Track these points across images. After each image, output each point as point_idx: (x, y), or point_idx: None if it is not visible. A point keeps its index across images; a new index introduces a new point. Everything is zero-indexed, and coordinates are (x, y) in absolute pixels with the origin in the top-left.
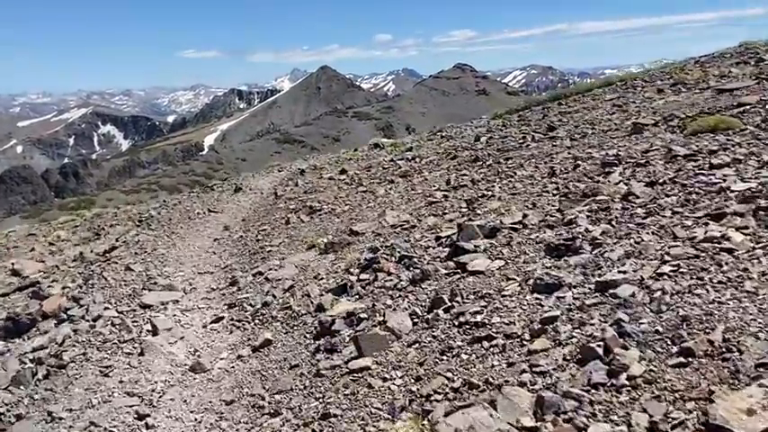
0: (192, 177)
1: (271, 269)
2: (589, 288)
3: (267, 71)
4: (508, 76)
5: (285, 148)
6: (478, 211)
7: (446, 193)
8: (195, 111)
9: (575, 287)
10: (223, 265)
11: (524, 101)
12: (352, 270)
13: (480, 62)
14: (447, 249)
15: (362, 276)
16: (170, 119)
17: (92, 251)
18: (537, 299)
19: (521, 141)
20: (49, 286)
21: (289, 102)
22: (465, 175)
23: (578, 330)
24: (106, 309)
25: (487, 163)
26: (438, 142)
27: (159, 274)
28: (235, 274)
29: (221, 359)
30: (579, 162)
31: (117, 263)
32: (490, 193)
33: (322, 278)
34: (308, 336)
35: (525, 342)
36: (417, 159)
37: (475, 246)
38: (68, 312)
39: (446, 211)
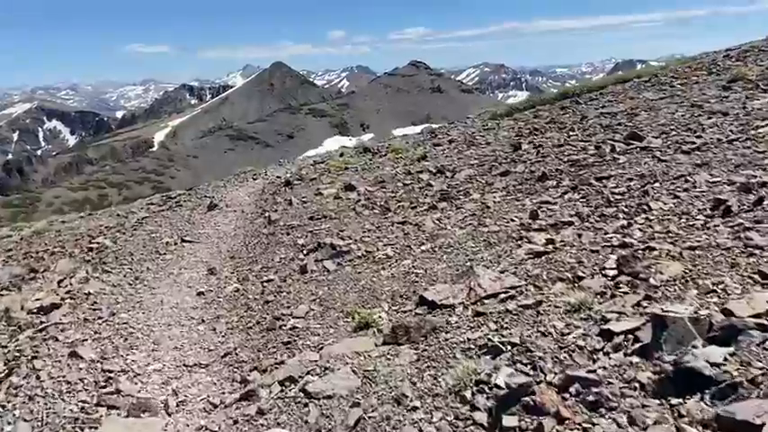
0: (141, 174)
1: (309, 372)
2: None
3: (219, 67)
4: (462, 73)
5: (238, 144)
6: (652, 281)
7: (546, 234)
8: (145, 106)
9: None
10: (222, 349)
11: (529, 100)
12: (470, 396)
13: (434, 60)
14: (642, 363)
15: (508, 421)
16: (119, 114)
17: (22, 307)
18: None
19: (593, 152)
20: None
21: (241, 98)
22: (550, 203)
23: None
24: None
25: (566, 183)
26: (456, 149)
27: (123, 368)
28: (246, 375)
29: None
30: (759, 191)
31: (58, 338)
32: (637, 242)
33: (414, 407)
34: None
35: None
36: (448, 173)
37: (712, 365)
38: None
39: (578, 273)
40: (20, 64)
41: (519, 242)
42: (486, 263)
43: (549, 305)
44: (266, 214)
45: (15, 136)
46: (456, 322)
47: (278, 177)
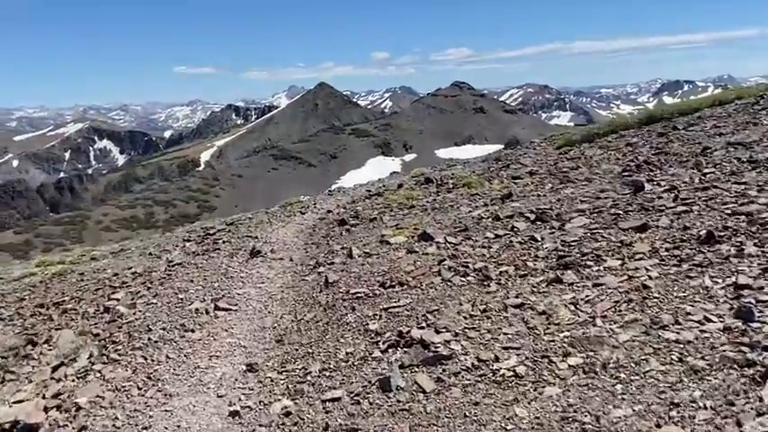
0: (187, 193)
1: None
2: None
3: (264, 87)
4: (505, 94)
5: (282, 164)
6: None
7: None
8: (192, 126)
9: None
10: None
11: (609, 124)
12: None
13: (477, 80)
14: None
15: None
16: (167, 134)
17: None
18: None
19: (765, 201)
20: None
21: (286, 118)
22: (752, 288)
23: None
24: None
25: (751, 250)
26: (546, 185)
27: None
28: None
29: None
30: None
31: None
32: None
33: None
34: None
35: None
36: (554, 222)
37: None
38: None
39: None
40: (73, 84)
41: (747, 371)
42: (709, 415)
43: None
44: (321, 270)
45: (67, 155)
46: None
47: (329, 212)
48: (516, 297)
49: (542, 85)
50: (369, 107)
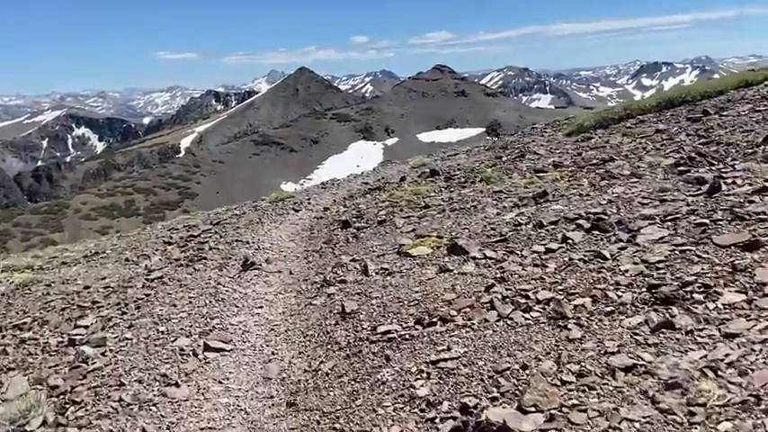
0: (168, 180)
1: None
2: None
3: (244, 73)
4: (485, 77)
5: (263, 149)
6: None
7: None
8: (171, 113)
9: None
10: None
11: (625, 108)
12: None
13: (458, 64)
14: None
15: None
16: (146, 121)
17: None
18: None
19: None
20: None
21: (266, 103)
22: None
23: None
24: None
25: None
26: (581, 180)
27: None
28: None
29: None
30: None
31: None
32: None
33: None
34: None
35: None
36: (621, 233)
37: None
38: None
39: None
40: (49, 71)
41: None
42: None
43: None
44: (330, 290)
45: (45, 143)
46: None
47: (326, 210)
48: (617, 351)
49: (522, 68)
50: (350, 92)
